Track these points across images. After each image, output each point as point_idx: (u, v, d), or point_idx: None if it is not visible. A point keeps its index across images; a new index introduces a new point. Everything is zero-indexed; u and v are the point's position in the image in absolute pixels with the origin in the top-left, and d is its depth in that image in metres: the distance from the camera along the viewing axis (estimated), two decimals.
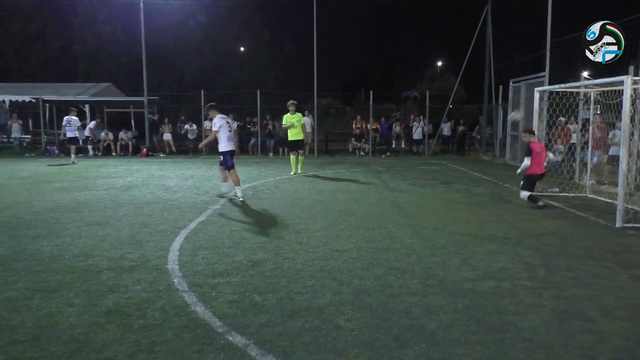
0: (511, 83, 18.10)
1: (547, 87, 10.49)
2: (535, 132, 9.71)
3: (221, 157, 9.43)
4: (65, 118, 17.10)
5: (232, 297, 4.27)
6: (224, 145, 9.27)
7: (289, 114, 13.64)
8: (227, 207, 8.62)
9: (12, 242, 6.07)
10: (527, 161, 8.98)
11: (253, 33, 38.20)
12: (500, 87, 20.21)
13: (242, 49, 37.97)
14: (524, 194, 9.02)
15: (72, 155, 17.11)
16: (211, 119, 9.70)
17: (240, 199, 9.14)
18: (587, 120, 11.23)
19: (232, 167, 9.33)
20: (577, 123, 12.19)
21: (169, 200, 9.23)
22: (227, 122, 9.37)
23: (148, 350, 3.31)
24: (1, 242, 6.09)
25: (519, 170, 9.31)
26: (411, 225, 7.27)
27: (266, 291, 4.43)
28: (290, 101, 13.73)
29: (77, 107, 25.38)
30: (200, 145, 11.64)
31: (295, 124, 13.49)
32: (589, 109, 10.97)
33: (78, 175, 13.19)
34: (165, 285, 4.59)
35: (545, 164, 9.23)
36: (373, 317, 3.87)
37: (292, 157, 13.93)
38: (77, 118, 17.20)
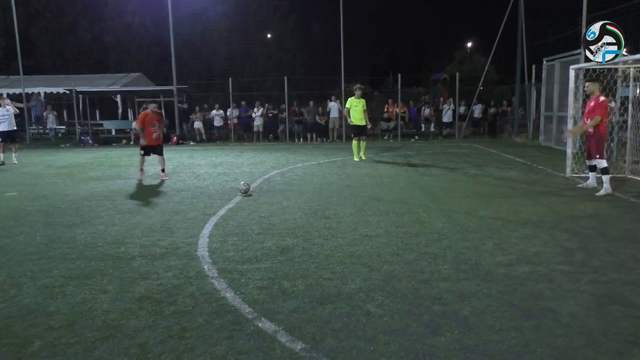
0: (545, 61, 17.52)
1: (583, 65, 10.05)
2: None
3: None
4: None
5: (262, 284, 4.27)
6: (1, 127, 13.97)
7: (354, 97, 13.33)
8: (255, 193, 8.63)
9: (47, 230, 6.22)
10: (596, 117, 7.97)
11: (280, 19, 38.07)
12: (533, 66, 19.61)
13: (269, 35, 37.92)
14: (603, 163, 8.04)
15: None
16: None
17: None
18: (626, 98, 10.79)
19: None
20: (615, 101, 11.72)
21: (198, 188, 9.32)
22: (7, 115, 13.86)
23: (179, 337, 3.33)
24: (37, 230, 6.25)
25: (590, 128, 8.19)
26: (442, 209, 7.14)
27: (295, 277, 4.41)
28: (357, 85, 13.52)
29: (109, 98, 25.99)
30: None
31: (355, 109, 13.19)
32: (628, 86, 10.54)
33: (111, 165, 13.46)
34: (196, 271, 4.62)
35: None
36: (404, 303, 3.80)
37: (354, 142, 13.52)
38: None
